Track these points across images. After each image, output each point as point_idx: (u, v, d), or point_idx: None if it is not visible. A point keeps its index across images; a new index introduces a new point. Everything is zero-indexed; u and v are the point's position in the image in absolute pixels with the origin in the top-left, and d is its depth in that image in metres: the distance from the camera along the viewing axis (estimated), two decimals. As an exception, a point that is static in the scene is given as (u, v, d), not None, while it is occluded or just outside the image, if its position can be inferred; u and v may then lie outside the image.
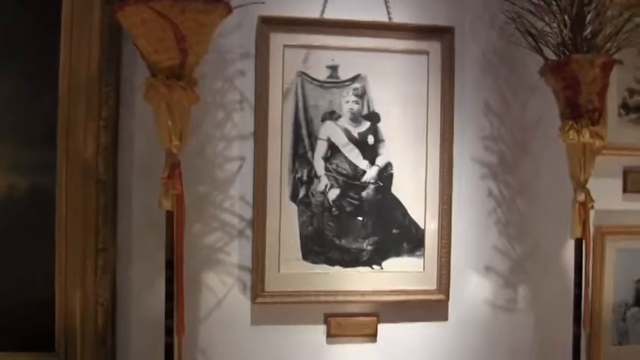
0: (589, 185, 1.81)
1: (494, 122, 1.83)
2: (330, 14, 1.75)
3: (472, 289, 1.83)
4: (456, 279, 1.80)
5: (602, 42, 1.63)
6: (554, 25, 1.62)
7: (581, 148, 1.61)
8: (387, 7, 1.78)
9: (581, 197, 1.61)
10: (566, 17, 1.60)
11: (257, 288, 1.70)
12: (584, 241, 1.63)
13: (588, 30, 1.61)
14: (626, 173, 1.92)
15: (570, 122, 1.60)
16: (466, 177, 1.81)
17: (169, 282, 1.33)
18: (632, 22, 1.63)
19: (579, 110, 1.60)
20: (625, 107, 1.92)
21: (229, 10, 1.40)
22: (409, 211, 1.78)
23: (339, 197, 1.74)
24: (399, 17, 1.79)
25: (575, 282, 1.62)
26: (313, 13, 1.75)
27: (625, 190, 1.93)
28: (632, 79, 1.94)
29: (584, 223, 1.61)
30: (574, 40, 1.61)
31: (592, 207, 1.61)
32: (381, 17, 1.78)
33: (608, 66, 1.59)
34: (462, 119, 1.80)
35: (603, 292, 1.90)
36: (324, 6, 1.76)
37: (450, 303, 1.80)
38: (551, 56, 1.64)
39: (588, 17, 1.61)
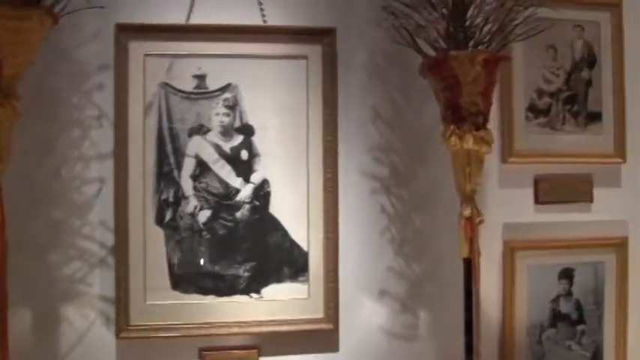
0: (497, 196, 1.80)
1: (385, 131, 1.81)
2: (197, 19, 1.71)
3: (365, 315, 1.80)
4: (346, 305, 1.77)
5: (488, 37, 1.57)
6: (434, 18, 1.57)
7: (465, 155, 1.58)
8: (261, 9, 1.74)
9: (467, 211, 1.60)
10: (444, 10, 1.55)
11: (121, 321, 1.68)
12: (472, 261, 1.60)
13: (469, 24, 1.56)
14: (538, 182, 1.88)
15: (452, 127, 1.57)
16: (354, 192, 1.79)
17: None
18: (519, 15, 1.57)
19: (461, 113, 1.56)
20: (533, 110, 1.90)
21: (52, 16, 1.36)
22: (290, 232, 1.75)
23: (211, 219, 1.71)
24: (275, 19, 1.75)
25: (465, 306, 1.58)
26: (178, 19, 1.70)
27: (537, 200, 1.89)
28: (542, 80, 1.90)
29: (472, 241, 1.56)
30: (455, 36, 1.57)
31: (480, 222, 1.60)
32: (255, 20, 1.74)
33: (491, 63, 1.55)
34: (347, 129, 1.78)
35: (515, 313, 1.88)
36: (191, 10, 1.71)
37: (340, 332, 1.78)
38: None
39: (470, 10, 1.55)
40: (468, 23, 1.60)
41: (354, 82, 1.83)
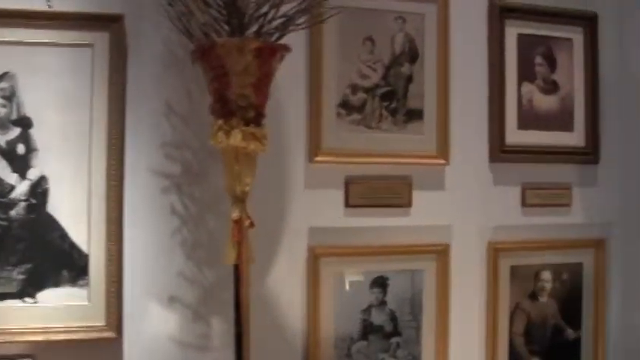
0: (302, 197, 2.07)
1: (178, 126, 2.08)
2: (-25, 2, 1.95)
3: (153, 324, 2.08)
4: (132, 313, 2.05)
5: (272, 25, 1.83)
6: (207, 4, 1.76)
7: (233, 153, 1.78)
8: (46, -8, 1.99)
9: (236, 214, 1.82)
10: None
11: None
12: (240, 268, 1.86)
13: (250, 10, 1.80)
14: (348, 184, 2.16)
15: (219, 122, 1.77)
16: (142, 191, 2.07)
17: None
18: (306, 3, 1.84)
19: (230, 107, 1.75)
20: (346, 106, 2.19)
21: None
22: (69, 233, 2.02)
23: (-18, 218, 1.94)
24: (61, 4, 1.99)
25: (235, 319, 1.86)
26: (-49, 1, 1.94)
27: (347, 203, 2.16)
28: (357, 74, 2.18)
29: (240, 246, 1.82)
30: (229, 22, 1.78)
31: (251, 225, 1.86)
32: (39, 5, 1.98)
33: (265, 53, 1.75)
34: (136, 123, 2.06)
35: (321, 324, 2.16)
36: (-33, -7, 1.95)
37: (124, 342, 2.03)
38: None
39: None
40: (247, 9, 1.80)
41: (146, 73, 2.09)
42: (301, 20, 1.89)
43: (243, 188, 1.83)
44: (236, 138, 1.75)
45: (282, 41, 1.87)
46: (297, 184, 2.21)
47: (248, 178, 1.83)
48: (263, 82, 1.79)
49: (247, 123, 1.76)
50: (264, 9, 1.81)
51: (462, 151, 2.39)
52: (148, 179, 2.10)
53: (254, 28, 1.83)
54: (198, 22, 1.84)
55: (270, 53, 1.78)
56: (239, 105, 1.76)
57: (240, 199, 1.85)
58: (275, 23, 1.85)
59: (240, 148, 1.77)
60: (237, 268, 1.89)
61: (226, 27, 1.84)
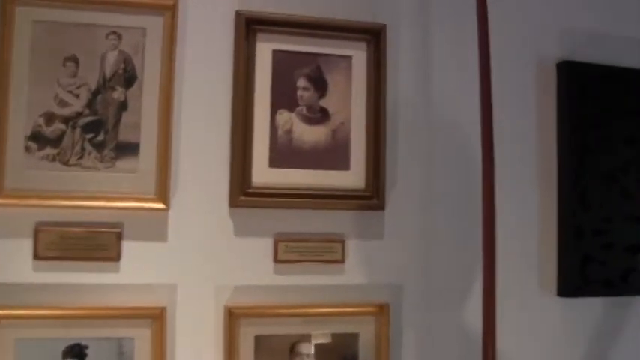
0: None
1: None
2: None
3: None
4: None
5: None
6: None
7: None
8: None
9: None
10: None
11: None
12: None
13: None
14: (38, 232, 2.49)
15: None
16: None
17: None
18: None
19: None
20: (38, 139, 2.53)
21: None
22: None
23: None
24: None
25: None
26: None
27: (36, 255, 2.52)
28: (53, 101, 2.52)
29: None
30: None
31: None
32: None
33: None
34: None
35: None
36: None
37: None
38: None
39: None
40: None
41: None
42: None
43: None
44: None
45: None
46: (-27, 232, 2.53)
47: None
48: None
49: None
50: None
51: (191, 194, 2.73)
52: None
53: None
54: None
55: None
56: None
57: None
58: None
59: None
60: None
61: None
